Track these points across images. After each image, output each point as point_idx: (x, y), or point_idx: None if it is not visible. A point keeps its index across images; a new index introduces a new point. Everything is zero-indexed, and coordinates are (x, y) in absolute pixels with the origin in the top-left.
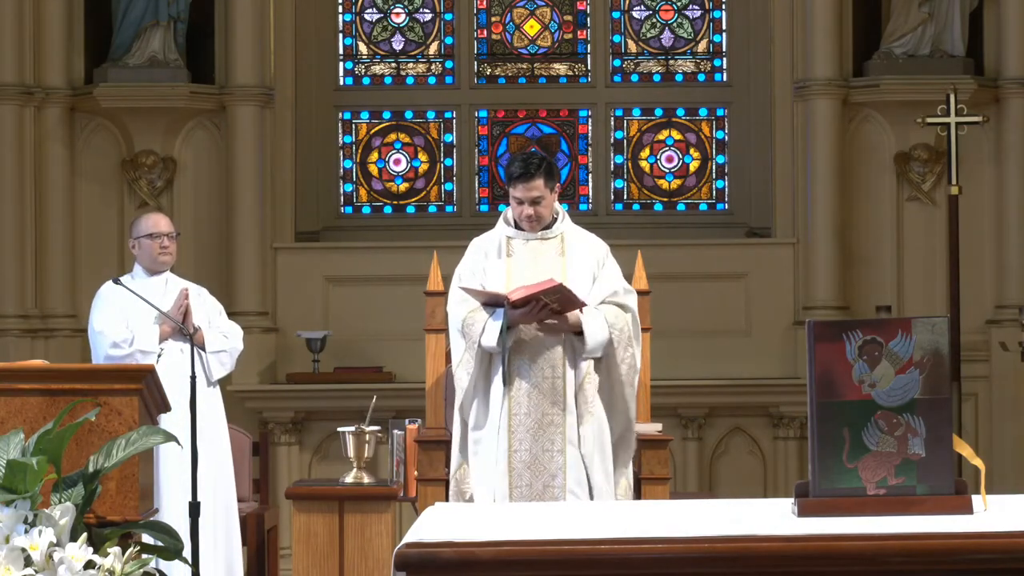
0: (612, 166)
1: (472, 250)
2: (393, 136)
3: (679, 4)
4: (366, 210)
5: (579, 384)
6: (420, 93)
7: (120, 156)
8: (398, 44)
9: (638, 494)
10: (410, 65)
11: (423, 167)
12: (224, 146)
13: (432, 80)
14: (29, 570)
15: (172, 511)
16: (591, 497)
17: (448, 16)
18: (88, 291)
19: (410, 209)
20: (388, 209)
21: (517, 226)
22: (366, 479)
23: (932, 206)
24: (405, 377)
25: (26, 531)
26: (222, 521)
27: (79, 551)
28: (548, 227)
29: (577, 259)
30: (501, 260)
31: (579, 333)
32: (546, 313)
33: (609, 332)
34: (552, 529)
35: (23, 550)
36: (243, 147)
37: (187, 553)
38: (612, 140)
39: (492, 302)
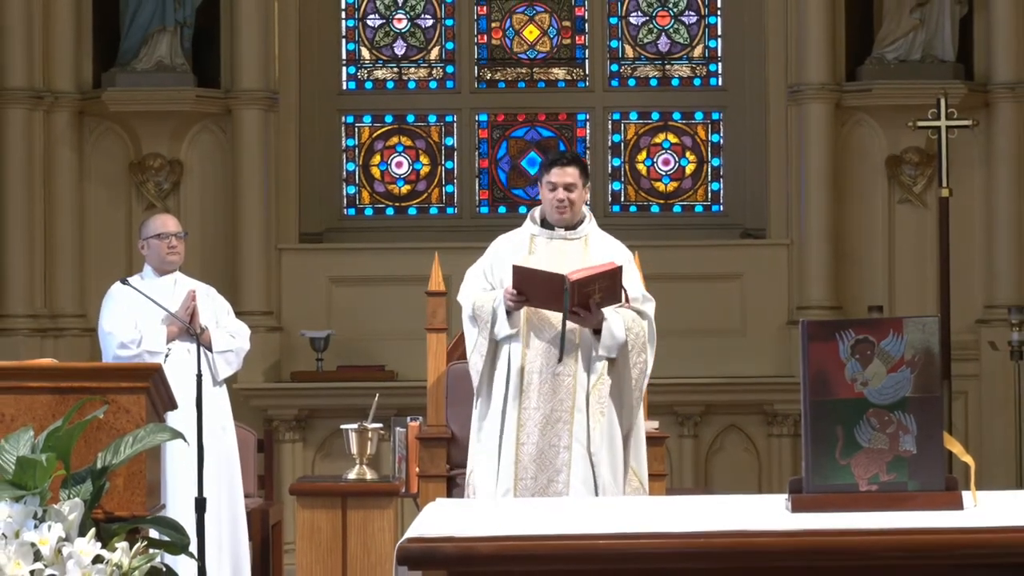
0: (609, 169)
1: (493, 249)
2: (395, 139)
3: (675, 10)
4: (369, 212)
5: (593, 384)
6: (421, 97)
7: (128, 159)
8: (400, 49)
9: None
10: (412, 70)
11: (424, 169)
12: (229, 149)
13: (433, 84)
14: (38, 564)
15: (178, 507)
16: (597, 495)
17: (449, 22)
18: (96, 291)
19: (412, 211)
20: (390, 211)
21: (544, 224)
22: (369, 475)
23: (923, 208)
24: (407, 376)
25: (35, 526)
26: (228, 517)
27: (87, 546)
28: (574, 227)
29: (599, 261)
30: (523, 257)
31: (597, 332)
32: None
33: (626, 335)
34: (551, 524)
35: (32, 545)
36: (248, 150)
37: (193, 548)
38: (609, 143)
39: (550, 283)
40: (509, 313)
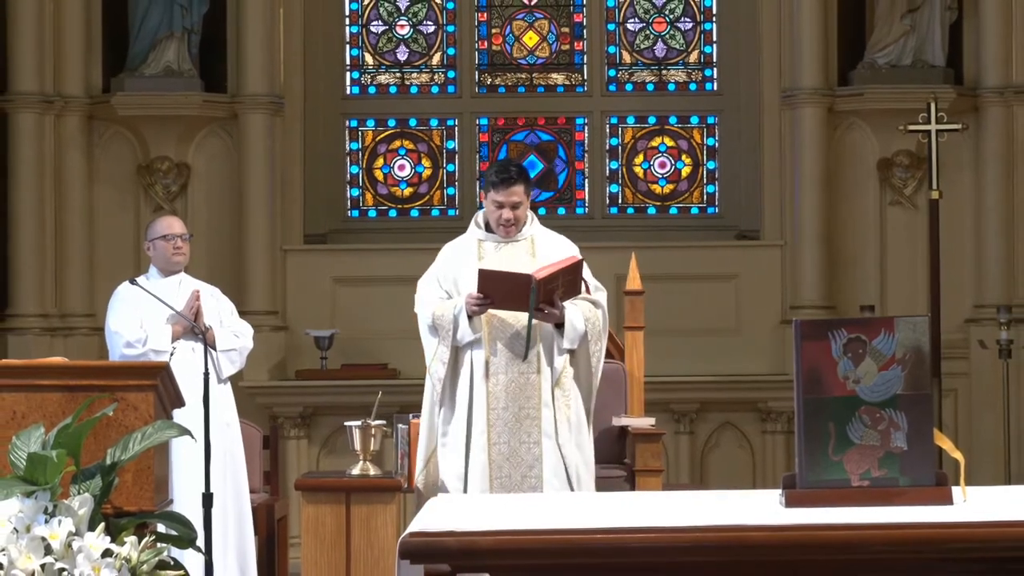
0: (607, 171)
1: (443, 257)
2: (398, 143)
3: (671, 16)
4: (372, 214)
5: (557, 379)
6: (423, 102)
7: (136, 162)
8: (402, 55)
9: (631, 485)
10: (414, 75)
11: (426, 172)
12: (236, 152)
13: (435, 89)
14: (49, 558)
15: (186, 502)
16: (570, 486)
17: (450, 28)
18: (105, 291)
19: (414, 213)
20: (393, 213)
21: (487, 229)
22: (372, 471)
23: (914, 210)
24: (409, 374)
25: (46, 521)
26: (234, 511)
27: (97, 540)
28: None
29: (547, 260)
30: (473, 264)
31: (559, 326)
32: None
33: (585, 325)
34: (550, 519)
35: (43, 539)
36: (254, 153)
37: (200, 542)
38: (607, 147)
39: (517, 283)
40: (471, 318)
